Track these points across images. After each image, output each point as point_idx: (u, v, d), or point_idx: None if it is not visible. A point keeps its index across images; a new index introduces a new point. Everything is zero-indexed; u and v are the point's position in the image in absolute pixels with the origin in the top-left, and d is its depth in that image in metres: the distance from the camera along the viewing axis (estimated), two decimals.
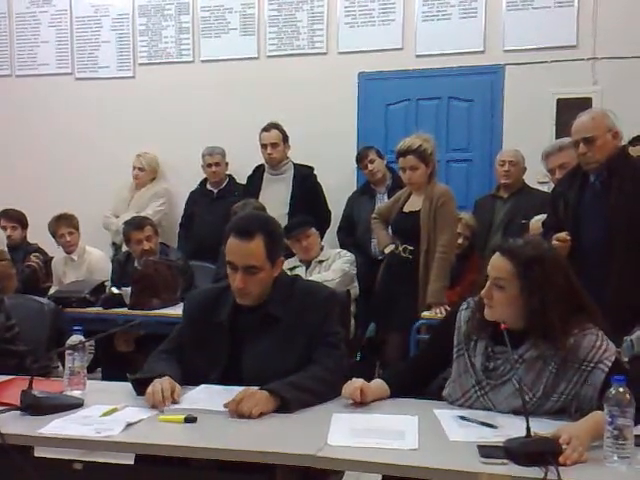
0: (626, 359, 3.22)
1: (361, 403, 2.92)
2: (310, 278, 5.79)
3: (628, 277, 4.29)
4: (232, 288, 3.18)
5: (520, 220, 6.00)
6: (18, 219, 7.21)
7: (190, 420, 2.70)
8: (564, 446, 2.31)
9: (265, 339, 3.15)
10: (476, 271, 5.40)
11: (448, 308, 5.03)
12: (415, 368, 3.21)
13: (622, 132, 4.65)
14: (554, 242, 4.42)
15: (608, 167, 4.46)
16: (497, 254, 2.86)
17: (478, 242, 6.17)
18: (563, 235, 4.44)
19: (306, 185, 7.03)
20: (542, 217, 5.33)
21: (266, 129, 7.08)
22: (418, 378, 3.16)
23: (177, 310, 4.95)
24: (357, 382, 2.96)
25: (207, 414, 2.77)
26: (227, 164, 7.60)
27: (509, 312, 2.79)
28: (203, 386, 3.12)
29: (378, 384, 3.05)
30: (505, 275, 2.79)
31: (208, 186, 7.64)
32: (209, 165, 7.54)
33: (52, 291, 6.29)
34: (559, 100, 6.99)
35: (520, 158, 6.49)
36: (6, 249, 5.98)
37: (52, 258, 6.97)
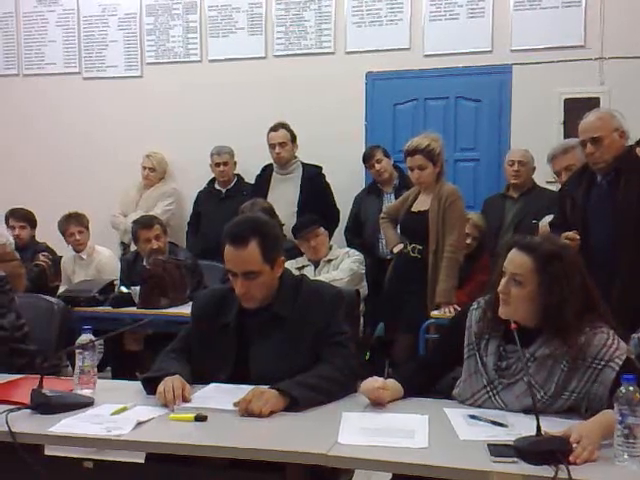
0: (633, 357, 3.21)
1: (379, 404, 2.92)
2: (319, 277, 5.80)
3: (635, 276, 4.29)
4: (236, 293, 3.19)
5: (531, 220, 5.99)
6: (27, 218, 7.21)
7: (200, 419, 2.71)
8: (574, 445, 2.31)
9: (272, 339, 3.16)
10: (485, 271, 5.41)
11: (457, 308, 5.03)
12: (426, 367, 3.20)
13: (629, 132, 4.65)
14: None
15: (615, 166, 4.46)
16: (515, 250, 2.85)
17: (488, 242, 6.16)
18: (572, 234, 4.42)
19: (314, 185, 7.03)
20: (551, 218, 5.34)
21: (274, 129, 7.10)
22: (429, 377, 3.15)
23: (186, 309, 4.95)
24: (377, 382, 2.93)
25: (217, 413, 2.78)
26: (235, 164, 7.61)
27: (525, 308, 2.79)
28: (213, 385, 3.13)
29: (393, 384, 3.02)
30: (524, 270, 2.79)
31: (216, 186, 7.65)
32: (217, 165, 7.55)
33: (61, 290, 6.30)
34: (567, 100, 6.98)
35: (529, 158, 6.48)
36: (13, 247, 5.96)
37: (61, 257, 6.99)
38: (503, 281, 2.85)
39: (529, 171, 6.50)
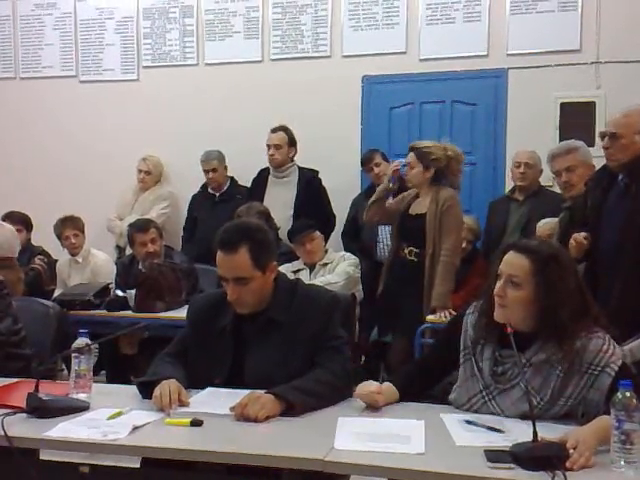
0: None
1: (374, 407, 2.93)
2: (314, 281, 5.78)
3: (634, 282, 4.23)
4: (227, 299, 3.20)
5: (537, 223, 5.94)
6: (23, 221, 7.19)
7: (196, 423, 2.70)
8: (571, 451, 2.31)
9: (268, 344, 3.17)
10: (480, 275, 5.40)
11: (453, 312, 5.03)
12: (422, 371, 3.19)
13: None
14: (571, 241, 4.35)
15: (629, 169, 4.30)
16: (512, 252, 2.85)
17: (492, 244, 6.08)
18: (580, 237, 4.34)
19: (311, 188, 7.04)
20: (549, 220, 5.31)
21: (273, 130, 7.14)
22: (424, 382, 3.15)
23: (181, 313, 4.94)
24: (372, 386, 2.96)
25: (213, 418, 2.77)
26: (226, 168, 7.58)
27: (521, 311, 2.79)
28: (209, 389, 3.13)
29: (388, 388, 3.04)
30: (522, 272, 2.79)
31: (209, 190, 7.64)
32: (206, 171, 7.54)
33: (56, 294, 6.29)
34: (562, 104, 6.99)
35: (536, 160, 6.34)
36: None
37: (57, 260, 6.97)
38: (499, 283, 2.84)
39: (536, 173, 6.40)
